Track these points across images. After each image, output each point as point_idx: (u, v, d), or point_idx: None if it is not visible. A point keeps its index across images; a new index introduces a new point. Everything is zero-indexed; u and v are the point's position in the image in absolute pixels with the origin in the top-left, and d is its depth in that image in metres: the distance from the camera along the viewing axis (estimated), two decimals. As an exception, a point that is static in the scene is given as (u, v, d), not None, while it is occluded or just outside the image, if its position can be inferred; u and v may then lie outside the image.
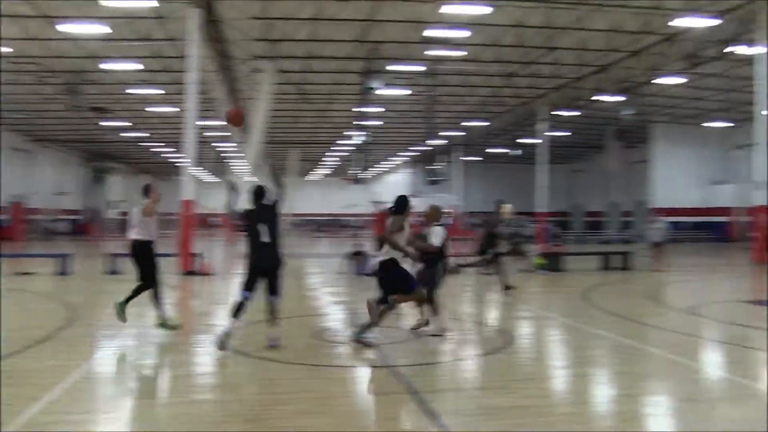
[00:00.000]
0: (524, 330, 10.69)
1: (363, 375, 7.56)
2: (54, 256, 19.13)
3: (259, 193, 8.49)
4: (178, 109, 26.93)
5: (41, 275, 17.14)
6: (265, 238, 8.22)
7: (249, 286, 8.24)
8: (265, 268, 8.28)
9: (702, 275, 20.24)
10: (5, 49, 23.30)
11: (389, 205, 8.83)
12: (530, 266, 19.54)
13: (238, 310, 8.19)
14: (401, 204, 8.65)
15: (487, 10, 20.17)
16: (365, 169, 43.94)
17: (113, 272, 17.60)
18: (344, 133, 43.43)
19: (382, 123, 41.23)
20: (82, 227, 50.27)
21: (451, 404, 6.15)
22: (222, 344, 8.12)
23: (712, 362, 8.43)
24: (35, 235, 39.53)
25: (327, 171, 63.40)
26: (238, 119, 12.79)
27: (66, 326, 9.82)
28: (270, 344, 8.16)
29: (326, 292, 15.49)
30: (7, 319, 9.73)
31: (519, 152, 49.32)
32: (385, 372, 7.40)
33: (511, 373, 7.45)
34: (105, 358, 8.06)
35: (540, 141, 38.79)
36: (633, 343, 9.06)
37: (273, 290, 8.31)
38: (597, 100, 32.81)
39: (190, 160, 19.22)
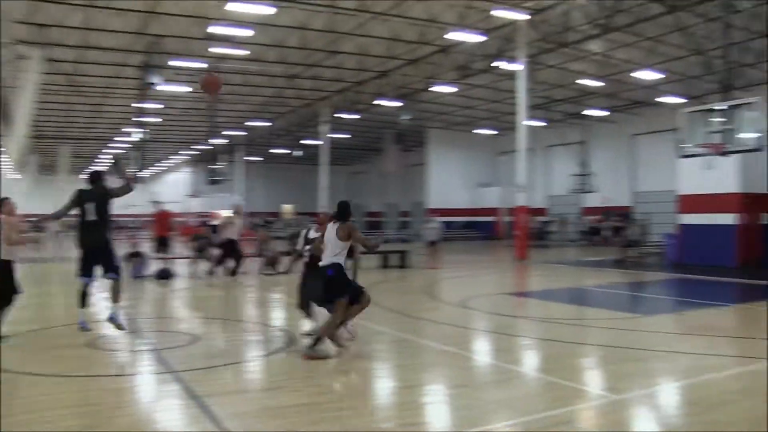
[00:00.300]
0: (306, 328, 10.79)
1: (142, 383, 7.21)
2: None
3: (94, 175, 8.63)
4: None
5: None
6: (91, 216, 8.24)
7: (85, 272, 8.28)
8: (90, 247, 8.28)
9: (471, 271, 21.71)
10: None
11: (331, 213, 8.40)
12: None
13: (83, 299, 8.26)
14: (346, 210, 8.23)
15: (271, 10, 20.12)
16: (143, 167, 42.01)
17: None
18: (122, 129, 41.25)
19: (161, 120, 39.73)
20: None
21: (234, 407, 6.06)
22: (84, 328, 8.35)
23: (482, 350, 9.16)
24: None
25: (102, 169, 60.07)
26: (214, 86, 12.69)
27: None
28: (110, 317, 8.37)
29: (102, 297, 14.57)
30: None
31: (301, 153, 49.95)
32: (166, 378, 7.14)
33: (293, 372, 7.49)
34: None
35: (322, 142, 39.53)
36: (411, 337, 9.57)
37: (109, 268, 8.36)
38: (377, 105, 33.96)
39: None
